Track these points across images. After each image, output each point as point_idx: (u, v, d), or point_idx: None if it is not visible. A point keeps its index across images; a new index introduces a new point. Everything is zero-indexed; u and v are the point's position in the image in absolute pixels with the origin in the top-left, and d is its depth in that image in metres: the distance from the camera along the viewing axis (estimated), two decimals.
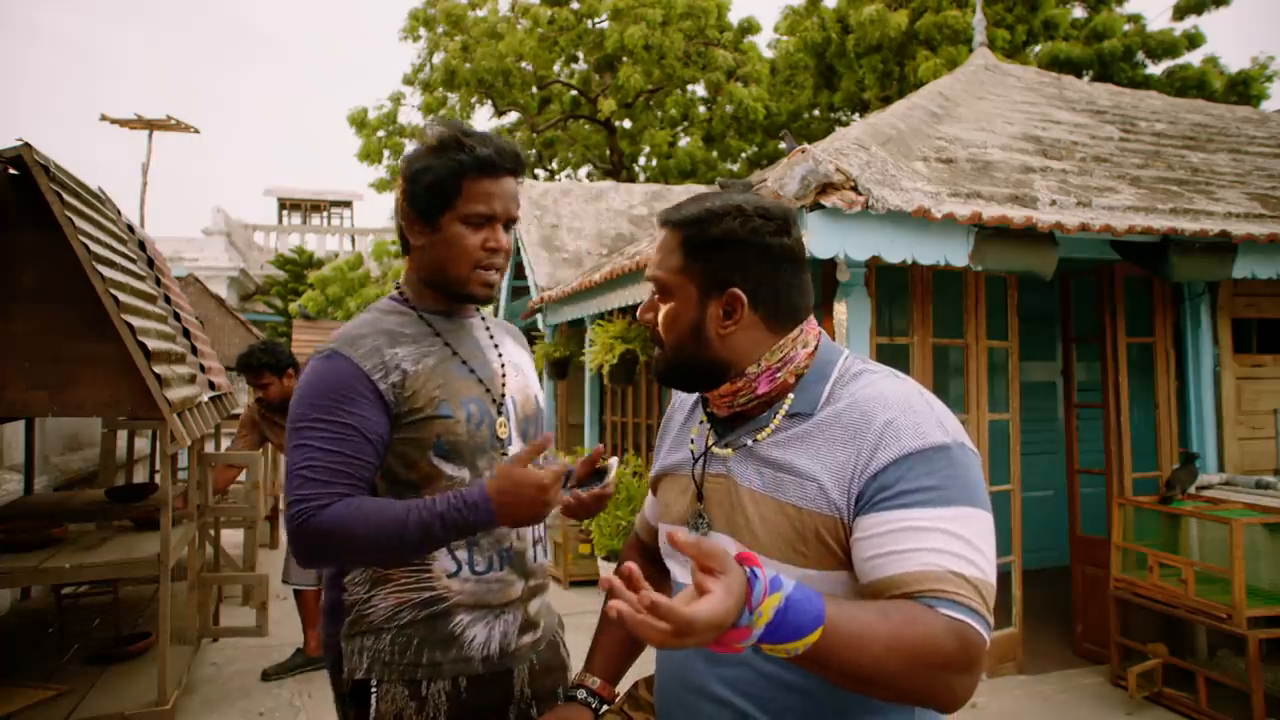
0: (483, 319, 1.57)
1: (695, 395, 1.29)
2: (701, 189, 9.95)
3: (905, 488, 0.99)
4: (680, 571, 1.22)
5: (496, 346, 1.53)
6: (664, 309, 1.16)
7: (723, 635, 0.84)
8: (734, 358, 1.13)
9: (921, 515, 0.97)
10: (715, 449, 1.16)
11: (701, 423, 1.24)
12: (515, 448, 1.46)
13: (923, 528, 0.97)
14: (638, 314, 1.22)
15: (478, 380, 1.44)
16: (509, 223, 1.43)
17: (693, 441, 1.24)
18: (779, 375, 1.12)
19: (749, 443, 1.12)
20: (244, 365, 4.13)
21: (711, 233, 1.10)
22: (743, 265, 1.10)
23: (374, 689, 1.35)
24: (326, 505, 1.28)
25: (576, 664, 1.47)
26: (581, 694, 1.31)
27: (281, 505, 6.51)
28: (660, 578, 1.38)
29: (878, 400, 1.05)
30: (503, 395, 1.47)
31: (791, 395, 1.12)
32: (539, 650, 1.50)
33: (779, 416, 1.11)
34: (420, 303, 1.47)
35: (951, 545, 0.96)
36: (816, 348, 1.15)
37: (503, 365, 1.51)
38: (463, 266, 1.40)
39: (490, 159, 1.37)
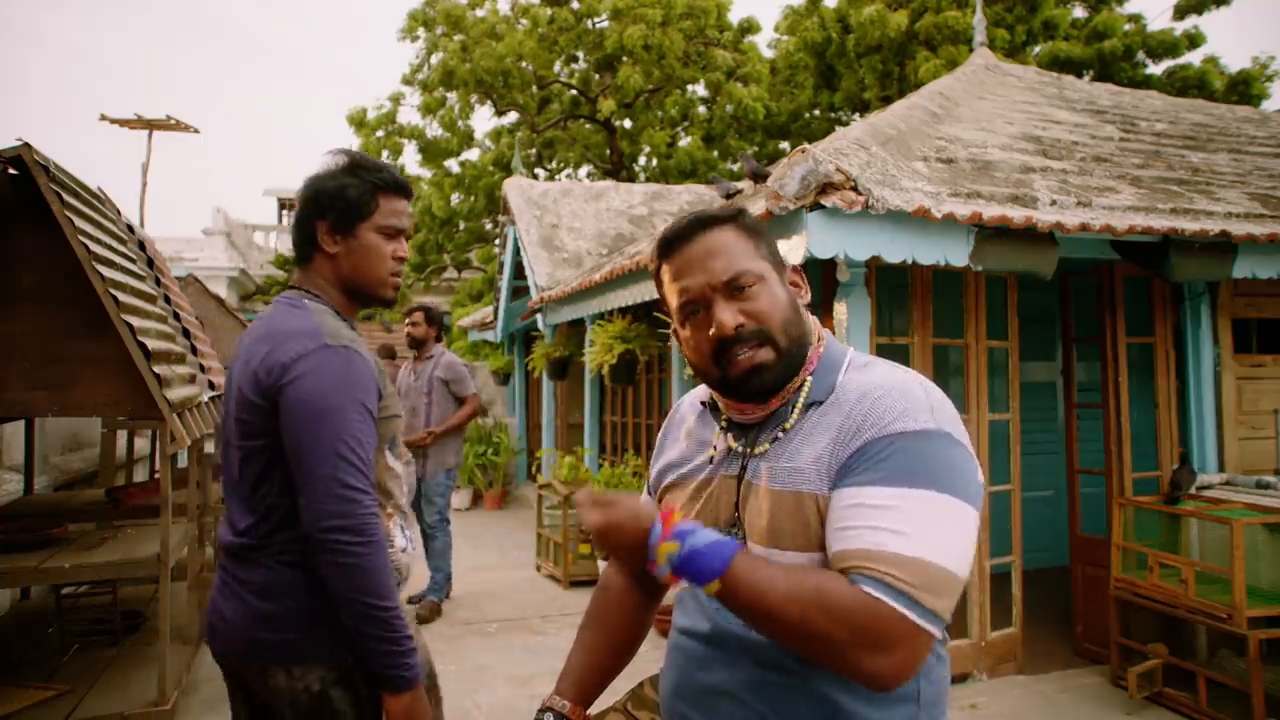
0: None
1: (699, 408, 1.27)
2: (701, 189, 9.96)
3: (873, 465, 0.99)
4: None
5: None
6: (763, 296, 1.10)
7: (641, 554, 1.02)
8: (811, 336, 1.16)
9: (880, 493, 0.97)
10: (754, 449, 1.13)
11: (718, 432, 1.20)
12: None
13: (877, 505, 0.96)
14: (729, 326, 1.08)
15: (389, 383, 1.61)
16: (408, 238, 1.65)
17: (714, 448, 1.20)
18: (817, 352, 1.16)
19: (774, 439, 1.12)
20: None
21: (753, 222, 1.15)
22: (776, 249, 1.17)
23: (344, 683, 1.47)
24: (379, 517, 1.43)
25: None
26: (550, 718, 1.24)
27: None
28: (647, 600, 1.36)
29: (876, 384, 1.07)
30: None
31: (809, 383, 1.13)
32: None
33: (798, 408, 1.11)
34: (340, 309, 1.59)
35: (900, 525, 0.94)
36: (820, 338, 1.18)
37: None
38: (381, 270, 1.57)
39: (400, 181, 1.59)
